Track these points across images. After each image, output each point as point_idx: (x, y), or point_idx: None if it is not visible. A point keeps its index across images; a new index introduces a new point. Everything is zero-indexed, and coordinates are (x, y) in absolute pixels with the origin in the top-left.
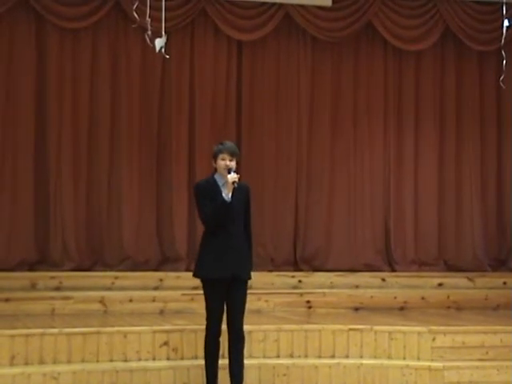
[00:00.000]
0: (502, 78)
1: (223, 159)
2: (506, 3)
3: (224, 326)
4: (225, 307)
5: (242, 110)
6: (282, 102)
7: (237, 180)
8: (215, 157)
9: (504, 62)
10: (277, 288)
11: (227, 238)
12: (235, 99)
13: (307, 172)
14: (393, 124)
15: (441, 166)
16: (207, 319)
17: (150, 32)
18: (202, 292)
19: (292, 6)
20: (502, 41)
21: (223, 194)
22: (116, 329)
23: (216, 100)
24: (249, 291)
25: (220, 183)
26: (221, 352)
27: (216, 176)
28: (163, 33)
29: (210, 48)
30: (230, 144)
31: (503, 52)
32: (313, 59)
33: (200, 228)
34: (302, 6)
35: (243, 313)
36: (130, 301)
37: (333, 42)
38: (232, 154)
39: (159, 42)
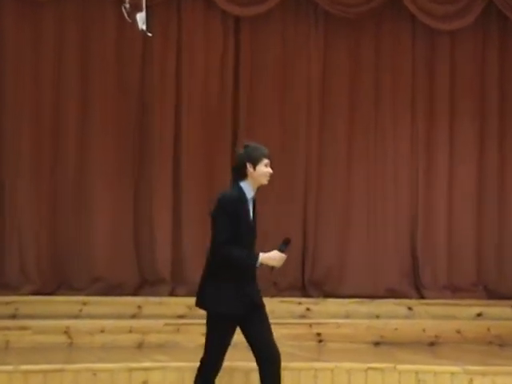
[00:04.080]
0: None
1: (267, 165)
2: None
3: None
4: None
5: (239, 99)
6: (287, 89)
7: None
8: (255, 161)
9: None
10: (280, 317)
11: None
12: (232, 86)
13: (318, 175)
14: (422, 117)
15: (481, 170)
16: (211, 356)
17: (127, 5)
18: (188, 322)
19: None
20: None
21: (257, 262)
22: (84, 366)
23: (208, 86)
24: None
25: (248, 195)
26: None
27: (243, 185)
28: (144, 6)
29: (201, 25)
30: (263, 146)
31: None
32: (325, 39)
33: (187, 243)
34: None
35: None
36: (102, 332)
37: (351, 18)
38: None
39: (141, 18)
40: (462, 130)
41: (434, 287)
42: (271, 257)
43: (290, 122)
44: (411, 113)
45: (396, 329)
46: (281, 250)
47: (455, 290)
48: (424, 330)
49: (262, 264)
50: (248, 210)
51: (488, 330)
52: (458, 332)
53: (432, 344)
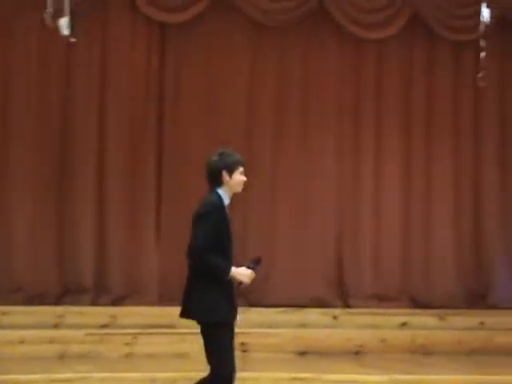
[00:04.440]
0: (480, 75)
1: (242, 173)
2: None
3: None
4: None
5: (165, 107)
6: (214, 97)
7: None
8: (231, 169)
9: (483, 54)
10: None
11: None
12: (157, 93)
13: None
14: (348, 127)
15: (406, 181)
16: (225, 368)
17: (50, 10)
18: (111, 332)
19: None
20: (481, 28)
21: (230, 273)
22: (4, 377)
23: (133, 94)
24: (170, 331)
25: (225, 201)
26: None
27: (220, 191)
28: (68, 11)
29: (126, 31)
30: (236, 153)
31: (482, 42)
32: (253, 46)
33: (110, 252)
34: None
35: None
36: (22, 342)
37: (277, 26)
38: None
39: (64, 23)
40: (388, 137)
41: (360, 296)
42: (242, 272)
43: (216, 131)
44: (338, 119)
45: (321, 338)
46: (250, 268)
47: (381, 300)
48: (349, 340)
49: (231, 277)
50: (227, 217)
51: (413, 339)
52: (383, 341)
53: (357, 353)
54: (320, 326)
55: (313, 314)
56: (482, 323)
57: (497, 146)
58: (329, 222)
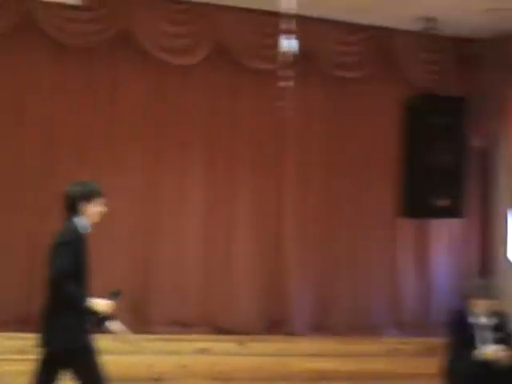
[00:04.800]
0: (281, 104)
1: (101, 204)
2: (286, 15)
3: None
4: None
5: None
6: (18, 123)
7: None
8: (89, 199)
9: (285, 84)
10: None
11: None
12: None
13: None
14: (152, 149)
15: (208, 208)
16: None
17: None
18: None
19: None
20: (283, 58)
21: (88, 303)
22: None
23: None
24: None
25: (84, 230)
26: None
27: (77, 220)
28: None
29: None
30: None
31: (285, 72)
32: (57, 70)
33: None
34: (47, 2)
35: None
36: None
37: (81, 49)
38: None
39: None
40: (190, 169)
41: (160, 322)
42: (100, 303)
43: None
44: (141, 144)
45: (121, 365)
46: (110, 299)
47: (183, 325)
48: (150, 366)
49: (88, 306)
50: (85, 247)
51: (213, 365)
52: (184, 367)
53: (157, 380)
54: (117, 352)
55: (111, 341)
56: (280, 349)
57: (297, 170)
58: (132, 248)
